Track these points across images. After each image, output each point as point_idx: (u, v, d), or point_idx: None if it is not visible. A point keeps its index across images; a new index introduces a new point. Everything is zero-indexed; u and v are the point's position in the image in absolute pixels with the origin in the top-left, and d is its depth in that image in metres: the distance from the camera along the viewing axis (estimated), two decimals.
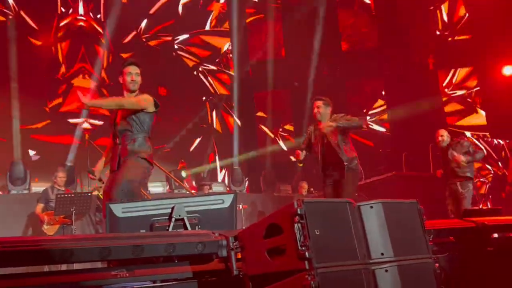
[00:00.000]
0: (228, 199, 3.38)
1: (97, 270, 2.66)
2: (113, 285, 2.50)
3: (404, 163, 10.18)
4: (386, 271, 2.29)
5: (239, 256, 2.57)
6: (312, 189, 9.68)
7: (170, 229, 3.13)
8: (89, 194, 7.04)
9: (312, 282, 2.04)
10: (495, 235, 3.95)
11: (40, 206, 7.13)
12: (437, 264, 2.46)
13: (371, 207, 2.38)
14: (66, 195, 6.83)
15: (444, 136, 7.45)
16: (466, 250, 3.76)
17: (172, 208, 3.16)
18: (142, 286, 2.57)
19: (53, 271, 2.66)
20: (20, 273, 2.39)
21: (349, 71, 12.45)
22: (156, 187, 9.41)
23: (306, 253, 2.08)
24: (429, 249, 2.46)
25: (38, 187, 8.45)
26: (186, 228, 3.17)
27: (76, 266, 4.67)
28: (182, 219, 3.18)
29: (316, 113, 5.63)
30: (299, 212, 2.13)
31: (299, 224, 2.13)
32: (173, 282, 2.67)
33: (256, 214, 9.36)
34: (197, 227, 3.25)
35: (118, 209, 3.06)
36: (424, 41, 11.64)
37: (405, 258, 2.34)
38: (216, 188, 10.01)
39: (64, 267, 5.37)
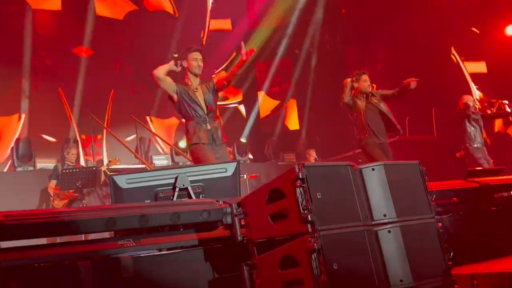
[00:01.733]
0: (231, 168, 3.40)
1: (103, 240, 2.70)
2: (120, 254, 2.54)
3: (407, 127, 10.16)
4: (389, 232, 2.31)
5: (243, 222, 2.59)
6: (317, 157, 9.70)
7: (175, 198, 3.16)
8: (94, 168, 7.08)
9: (315, 244, 2.06)
10: (499, 194, 3.97)
11: (53, 182, 7.20)
12: (440, 224, 2.47)
13: (373, 169, 2.39)
14: (71, 170, 6.88)
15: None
16: (469, 210, 3.79)
17: (176, 178, 3.19)
18: (149, 254, 2.60)
19: (60, 242, 2.70)
20: (28, 245, 2.43)
21: (350, 37, 12.29)
22: (160, 160, 9.45)
23: (309, 216, 2.10)
24: (432, 209, 2.48)
25: (43, 164, 8.52)
26: (190, 197, 3.20)
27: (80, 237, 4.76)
28: (186, 189, 3.20)
29: (368, 85, 6.23)
30: (300, 176, 2.14)
31: (301, 188, 2.14)
32: (179, 250, 2.71)
33: (260, 184, 9.41)
34: (201, 196, 3.28)
35: (122, 180, 3.08)
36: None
37: (407, 218, 2.36)
38: None
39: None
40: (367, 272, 2.18)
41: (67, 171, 6.82)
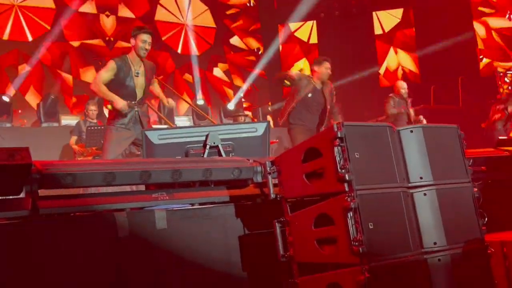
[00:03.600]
0: (261, 128, 3.40)
1: (138, 193, 2.74)
2: (154, 207, 2.58)
3: (432, 96, 10.00)
4: (425, 194, 2.30)
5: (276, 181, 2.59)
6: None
7: (205, 156, 3.17)
8: None
9: (351, 203, 2.06)
10: None
11: (74, 138, 7.30)
12: (475, 189, 2.44)
13: (411, 131, 2.35)
14: (96, 127, 6.94)
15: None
16: (499, 179, 3.74)
17: (207, 136, 3.19)
18: (182, 208, 2.64)
19: (96, 193, 2.75)
20: (64, 194, 2.48)
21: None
22: (182, 121, 9.50)
23: (346, 176, 2.09)
24: (468, 174, 2.45)
25: (67, 121, 8.62)
26: (220, 155, 3.21)
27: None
28: (217, 147, 3.21)
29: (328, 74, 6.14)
30: (339, 135, 2.12)
31: (339, 147, 2.12)
32: (211, 205, 2.74)
33: (282, 149, 9.41)
34: (231, 154, 3.29)
35: (155, 136, 3.10)
36: None
37: (444, 182, 2.34)
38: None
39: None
40: (402, 233, 2.18)
41: (92, 128, 6.89)
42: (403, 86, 7.69)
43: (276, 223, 2.43)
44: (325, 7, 11.95)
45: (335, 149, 2.12)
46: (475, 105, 9.31)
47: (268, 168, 2.50)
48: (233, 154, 3.30)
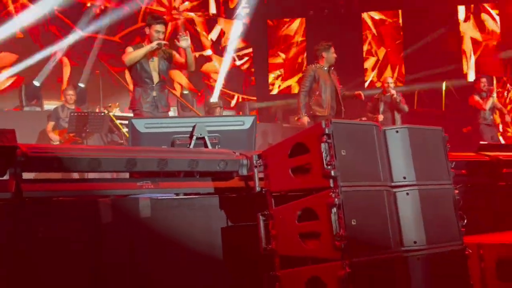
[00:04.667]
0: (248, 121, 3.41)
1: (122, 180, 2.73)
2: (138, 195, 2.58)
3: (416, 100, 10.13)
4: (407, 194, 2.34)
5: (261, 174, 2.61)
6: None
7: (191, 146, 3.18)
8: (103, 114, 7.07)
9: (336, 199, 2.09)
10: (508, 170, 4.00)
11: (51, 124, 7.18)
12: (456, 191, 2.50)
13: (397, 131, 2.39)
14: (80, 113, 6.86)
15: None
16: (478, 183, 3.83)
17: (194, 127, 3.20)
18: (166, 197, 2.64)
19: (80, 178, 2.73)
20: (48, 178, 2.46)
21: (367, 0, 12.05)
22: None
23: (332, 172, 2.12)
24: (451, 176, 2.50)
25: (50, 105, 8.50)
26: (206, 147, 3.21)
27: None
28: (203, 138, 3.21)
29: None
30: (327, 132, 2.15)
31: (326, 144, 2.15)
32: (196, 196, 2.75)
33: (266, 144, 9.45)
34: (217, 146, 3.30)
35: (141, 125, 3.09)
36: None
37: (426, 183, 2.39)
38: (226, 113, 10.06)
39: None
40: (383, 231, 2.22)
41: (75, 114, 6.81)
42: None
43: (260, 216, 2.45)
44: (314, 5, 11.99)
45: (322, 145, 2.15)
46: (458, 109, 9.45)
47: (254, 162, 2.52)
48: (219, 146, 3.31)
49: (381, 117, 7.38)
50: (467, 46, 11.47)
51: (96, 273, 2.36)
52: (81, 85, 9.32)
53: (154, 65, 4.78)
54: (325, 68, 6.23)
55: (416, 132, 2.45)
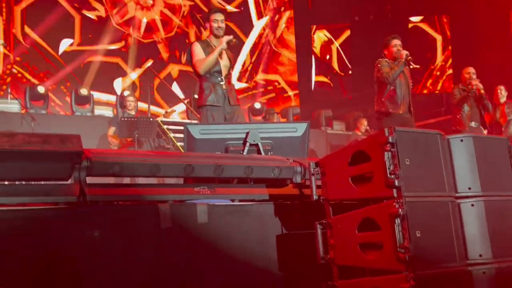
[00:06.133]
0: (301, 128, 3.39)
1: (180, 186, 2.76)
2: (195, 200, 2.60)
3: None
4: (472, 205, 2.26)
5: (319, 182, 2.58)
6: (368, 127, 9.56)
7: (245, 153, 3.18)
8: (152, 119, 7.21)
9: (400, 210, 2.03)
10: None
11: (112, 129, 7.39)
12: None
13: (461, 140, 2.32)
14: (129, 119, 7.02)
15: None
16: None
17: (247, 133, 3.20)
18: (223, 203, 2.65)
19: (141, 183, 2.78)
20: (109, 183, 2.52)
21: (414, 6, 11.82)
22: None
23: (396, 181, 2.06)
24: None
25: (100, 111, 8.75)
26: (259, 153, 3.22)
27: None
28: (256, 145, 3.22)
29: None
30: (390, 140, 2.10)
31: (390, 153, 2.10)
32: (251, 202, 2.74)
33: (309, 151, 9.37)
34: (269, 153, 3.29)
35: (196, 131, 3.12)
36: None
37: (492, 193, 2.30)
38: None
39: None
40: (448, 244, 2.15)
41: (125, 119, 6.97)
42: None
43: (318, 225, 2.42)
44: (360, 10, 11.87)
45: (386, 154, 2.10)
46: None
47: (311, 169, 2.49)
48: (271, 153, 3.30)
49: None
50: None
51: (154, 276, 2.39)
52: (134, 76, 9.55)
53: (223, 59, 4.72)
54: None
55: (481, 141, 2.36)
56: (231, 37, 4.65)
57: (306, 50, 12.37)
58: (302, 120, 11.24)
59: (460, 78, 7.00)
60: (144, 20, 11.20)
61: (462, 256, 2.18)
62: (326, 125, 10.77)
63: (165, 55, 11.47)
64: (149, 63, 10.88)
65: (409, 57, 5.45)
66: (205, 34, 4.92)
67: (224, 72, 4.70)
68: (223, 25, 4.71)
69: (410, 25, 11.89)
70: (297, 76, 12.40)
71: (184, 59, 11.35)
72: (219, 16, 4.72)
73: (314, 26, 12.49)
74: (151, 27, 11.32)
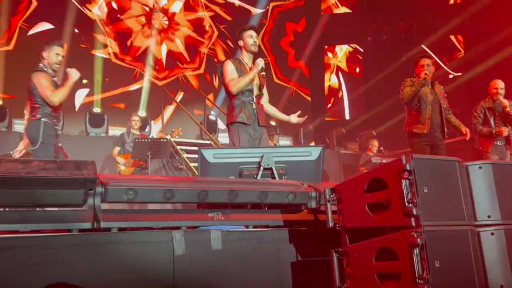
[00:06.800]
0: (316, 152, 3.36)
1: (193, 212, 2.74)
2: (209, 227, 2.57)
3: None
4: (492, 234, 2.20)
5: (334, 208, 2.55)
6: (381, 148, 9.50)
7: (259, 177, 3.16)
8: (165, 140, 7.24)
9: (418, 239, 1.99)
10: None
11: (117, 149, 7.46)
12: None
13: (480, 167, 2.27)
14: (143, 140, 7.06)
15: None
16: None
17: (262, 157, 3.19)
18: (237, 230, 2.62)
19: (154, 209, 2.76)
20: (123, 209, 2.51)
21: (426, 27, 11.82)
22: (225, 137, 9.56)
23: (414, 210, 2.02)
24: None
25: (115, 131, 8.81)
26: (273, 178, 3.19)
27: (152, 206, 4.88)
28: (270, 169, 3.20)
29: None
30: (407, 168, 2.06)
31: (407, 180, 2.06)
32: (265, 229, 2.71)
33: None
34: (283, 177, 3.26)
35: (210, 155, 3.11)
36: None
37: None
38: (282, 142, 10.05)
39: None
40: (468, 273, 2.09)
41: (139, 140, 7.01)
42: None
43: (334, 253, 2.38)
44: (373, 31, 11.90)
45: (403, 182, 2.06)
46: None
47: (327, 195, 2.46)
48: (285, 177, 3.28)
49: (505, 131, 6.04)
50: None
51: None
52: (142, 113, 9.61)
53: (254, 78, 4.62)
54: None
55: (501, 168, 2.31)
56: (263, 61, 4.55)
57: (320, 71, 12.41)
58: (316, 140, 11.23)
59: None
60: (164, 51, 11.16)
61: (483, 286, 2.12)
62: (338, 146, 10.73)
63: (194, 82, 11.42)
64: (180, 95, 10.74)
65: (425, 78, 5.33)
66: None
67: (255, 92, 4.60)
68: (257, 40, 4.67)
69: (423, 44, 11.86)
70: (310, 95, 12.41)
71: (216, 82, 11.22)
72: (254, 33, 4.68)
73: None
74: (172, 55, 11.27)
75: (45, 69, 4.57)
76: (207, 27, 11.66)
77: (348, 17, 12.24)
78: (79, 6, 10.26)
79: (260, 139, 4.54)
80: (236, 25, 9.80)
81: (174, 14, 11.41)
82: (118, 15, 10.84)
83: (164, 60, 11.19)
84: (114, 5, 10.84)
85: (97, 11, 10.61)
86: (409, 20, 11.91)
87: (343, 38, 12.23)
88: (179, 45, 11.35)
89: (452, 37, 12.02)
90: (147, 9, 11.15)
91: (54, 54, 4.58)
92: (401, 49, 11.54)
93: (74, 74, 4.55)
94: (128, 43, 10.87)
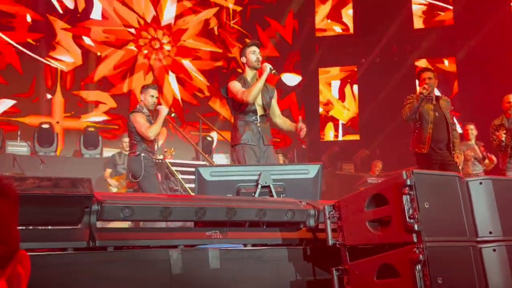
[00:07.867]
0: (313, 170, 3.34)
1: (191, 230, 2.70)
2: (207, 245, 2.53)
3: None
4: (494, 250, 2.18)
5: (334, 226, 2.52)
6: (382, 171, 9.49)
7: (257, 195, 3.13)
8: (160, 161, 7.19)
9: (420, 255, 1.96)
10: None
11: (108, 171, 7.37)
12: None
13: (480, 183, 2.26)
14: None
15: None
16: None
17: (259, 175, 3.16)
18: (235, 248, 2.58)
19: (150, 227, 2.72)
20: (119, 227, 2.46)
21: (420, 49, 11.94)
22: (220, 158, 9.54)
23: (415, 226, 2.00)
24: None
25: (108, 153, 8.76)
26: (271, 196, 3.16)
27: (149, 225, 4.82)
28: (268, 187, 3.17)
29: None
30: (408, 183, 2.05)
31: (408, 196, 2.04)
32: (264, 247, 2.67)
33: None
34: (282, 195, 3.23)
35: (207, 173, 3.08)
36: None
37: None
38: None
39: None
40: None
41: None
42: None
43: (334, 271, 2.34)
44: (366, 53, 12.02)
45: (404, 197, 2.04)
46: None
47: (327, 213, 2.43)
48: (283, 195, 3.25)
49: (503, 135, 5.91)
50: None
51: None
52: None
53: (259, 97, 4.50)
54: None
55: (501, 183, 2.31)
56: (272, 69, 4.42)
57: (314, 91, 12.47)
58: (310, 159, 11.20)
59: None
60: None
61: None
62: (333, 166, 10.71)
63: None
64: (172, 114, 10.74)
65: (423, 93, 5.06)
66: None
67: (259, 112, 4.48)
68: (260, 57, 4.53)
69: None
70: (305, 115, 12.43)
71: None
72: (257, 49, 4.54)
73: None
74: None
75: (142, 110, 5.23)
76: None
77: (342, 39, 12.37)
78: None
79: (267, 159, 4.43)
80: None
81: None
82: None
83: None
84: None
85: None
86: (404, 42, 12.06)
87: (336, 60, 12.31)
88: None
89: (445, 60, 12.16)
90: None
91: (149, 96, 5.25)
92: (395, 70, 11.65)
93: (163, 110, 5.20)
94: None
